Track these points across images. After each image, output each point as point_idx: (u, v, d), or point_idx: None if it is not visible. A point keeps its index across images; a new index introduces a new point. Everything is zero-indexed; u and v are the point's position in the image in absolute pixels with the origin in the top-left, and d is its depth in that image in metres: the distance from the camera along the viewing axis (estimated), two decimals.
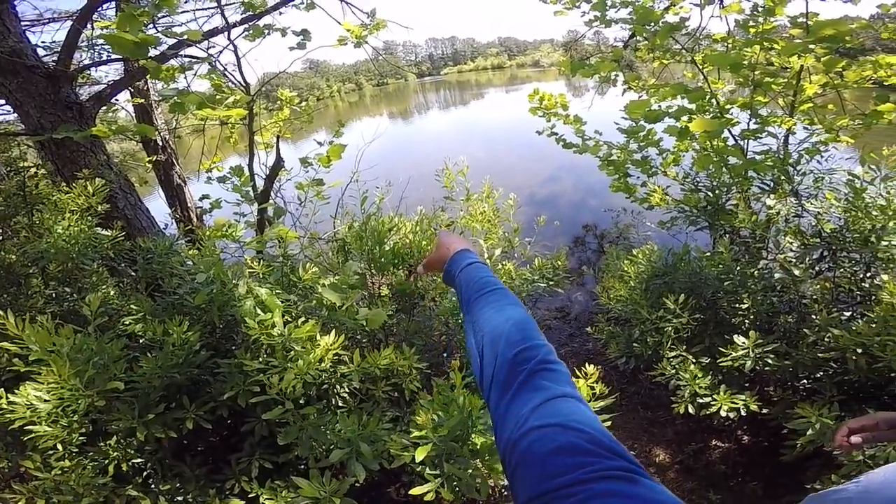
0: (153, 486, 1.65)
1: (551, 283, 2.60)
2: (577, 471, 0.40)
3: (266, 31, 2.48)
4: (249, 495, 1.62)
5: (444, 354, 2.35)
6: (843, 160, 2.71)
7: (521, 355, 0.59)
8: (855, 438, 0.86)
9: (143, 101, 3.56)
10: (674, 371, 2.16)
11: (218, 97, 1.78)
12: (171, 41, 2.39)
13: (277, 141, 2.57)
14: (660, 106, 2.77)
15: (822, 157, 2.68)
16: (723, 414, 2.00)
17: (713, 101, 2.47)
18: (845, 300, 2.17)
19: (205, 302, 1.75)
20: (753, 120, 2.57)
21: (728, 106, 2.59)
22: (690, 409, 2.07)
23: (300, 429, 1.62)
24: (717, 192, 2.42)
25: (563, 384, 0.54)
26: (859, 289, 2.07)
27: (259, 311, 1.57)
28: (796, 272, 1.98)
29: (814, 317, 1.98)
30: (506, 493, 2.30)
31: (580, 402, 0.51)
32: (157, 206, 4.37)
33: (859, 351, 1.78)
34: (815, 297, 2.14)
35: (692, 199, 2.42)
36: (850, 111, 2.69)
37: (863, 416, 0.90)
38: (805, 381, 2.10)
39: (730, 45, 2.84)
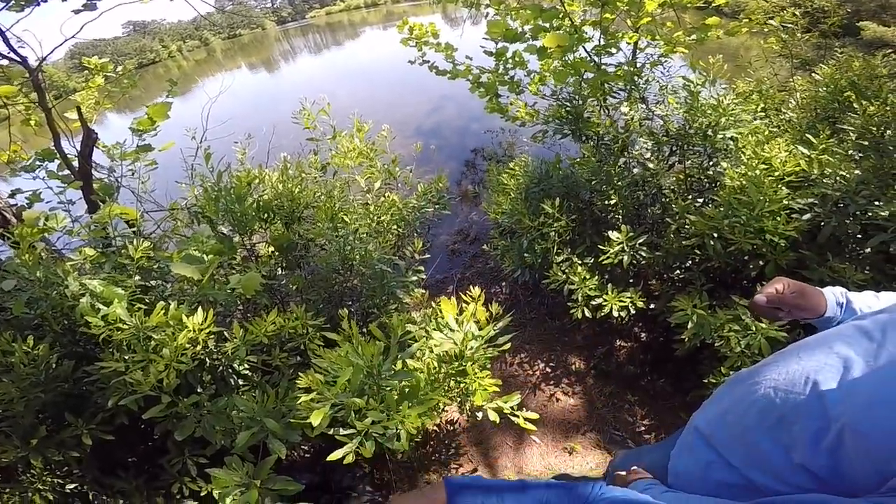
0: None
1: (438, 206, 2.53)
2: None
3: None
4: (202, 494, 1.54)
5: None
6: (681, 69, 3.02)
7: None
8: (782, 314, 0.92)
9: None
10: (564, 276, 2.19)
11: None
12: None
13: (79, 111, 2.11)
14: (524, 29, 2.78)
15: (664, 67, 2.96)
16: (615, 314, 2.06)
17: (567, 20, 2.52)
18: (698, 188, 2.38)
19: (31, 311, 1.46)
20: (603, 37, 2.68)
21: (582, 27, 2.67)
22: (587, 313, 2.11)
23: (198, 419, 1.47)
24: (576, 103, 2.49)
25: None
26: (706, 177, 2.31)
27: (102, 307, 1.31)
28: (650, 165, 2.17)
29: (673, 206, 2.13)
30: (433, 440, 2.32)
31: None
32: None
33: (715, 235, 1.87)
34: (672, 187, 2.36)
35: (556, 112, 2.50)
36: (686, 26, 2.94)
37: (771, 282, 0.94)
38: (678, 270, 2.19)
39: None
